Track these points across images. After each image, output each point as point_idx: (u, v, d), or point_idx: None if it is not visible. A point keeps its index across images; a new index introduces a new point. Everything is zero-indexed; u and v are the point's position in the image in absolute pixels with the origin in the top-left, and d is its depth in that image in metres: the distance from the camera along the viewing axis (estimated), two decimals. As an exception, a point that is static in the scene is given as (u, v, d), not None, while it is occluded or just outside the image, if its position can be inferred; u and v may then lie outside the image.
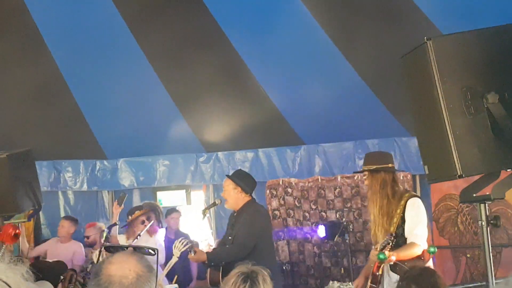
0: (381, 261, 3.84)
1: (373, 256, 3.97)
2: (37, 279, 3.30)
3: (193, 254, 4.55)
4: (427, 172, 2.91)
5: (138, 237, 5.56)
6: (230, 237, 4.79)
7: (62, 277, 4.31)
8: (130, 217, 5.94)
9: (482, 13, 4.88)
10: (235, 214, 4.89)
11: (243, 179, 4.91)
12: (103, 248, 3.92)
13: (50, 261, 5.48)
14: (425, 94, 2.80)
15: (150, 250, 3.19)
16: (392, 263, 3.89)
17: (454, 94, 2.66)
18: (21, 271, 1.55)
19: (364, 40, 5.99)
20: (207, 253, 4.70)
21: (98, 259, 4.78)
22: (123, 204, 5.96)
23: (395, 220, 4.07)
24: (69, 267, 5.77)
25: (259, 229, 4.75)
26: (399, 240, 4.03)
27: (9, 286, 1.50)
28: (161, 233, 6.19)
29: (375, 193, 4.17)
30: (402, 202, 4.10)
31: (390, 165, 4.23)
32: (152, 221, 5.75)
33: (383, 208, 4.12)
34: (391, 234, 3.91)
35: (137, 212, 5.86)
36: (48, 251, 6.41)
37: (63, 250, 6.36)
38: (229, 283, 2.50)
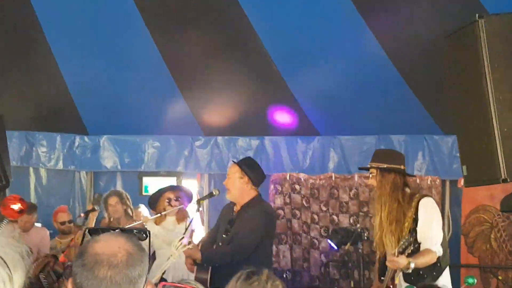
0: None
1: (391, 263, 3.99)
2: None
3: (189, 247, 4.52)
4: (465, 173, 2.90)
5: (159, 214, 5.57)
6: (225, 235, 4.78)
7: None
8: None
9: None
10: (234, 209, 4.87)
11: (253, 169, 4.87)
12: (87, 231, 3.91)
13: None
14: (471, 83, 2.79)
15: (142, 233, 3.20)
16: (410, 271, 3.95)
17: (505, 84, 2.66)
18: (21, 248, 1.59)
19: (396, 14, 5.98)
20: (201, 250, 4.68)
21: (82, 242, 4.69)
22: (98, 207, 6.03)
23: (406, 224, 4.16)
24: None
25: (263, 231, 4.75)
26: (413, 246, 4.09)
27: (5, 263, 1.53)
28: (196, 221, 6.09)
29: (384, 195, 4.25)
30: (413, 204, 4.19)
31: (402, 166, 4.32)
32: (182, 205, 5.74)
33: (393, 213, 4.20)
34: (411, 234, 4.02)
35: (165, 189, 5.92)
36: None
37: (27, 239, 6.24)
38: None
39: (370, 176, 4.39)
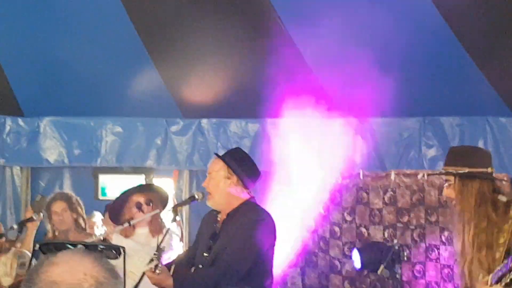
0: None
1: None
2: None
3: (157, 272, 4.31)
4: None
5: (127, 224, 5.36)
6: (206, 254, 4.68)
7: None
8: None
9: None
10: (219, 218, 4.79)
11: (244, 165, 4.74)
12: (37, 247, 3.93)
13: None
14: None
15: (112, 250, 3.31)
16: None
17: None
18: None
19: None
20: (174, 276, 4.48)
21: (30, 264, 4.86)
22: (41, 214, 5.89)
23: (501, 241, 4.07)
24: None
25: (259, 246, 4.63)
26: None
27: None
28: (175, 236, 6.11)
29: (468, 211, 4.15)
30: (511, 214, 4.12)
31: (489, 169, 4.23)
32: (158, 210, 5.58)
33: (481, 235, 4.09)
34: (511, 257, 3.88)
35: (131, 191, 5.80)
36: None
37: None
38: None
39: (446, 185, 4.25)
